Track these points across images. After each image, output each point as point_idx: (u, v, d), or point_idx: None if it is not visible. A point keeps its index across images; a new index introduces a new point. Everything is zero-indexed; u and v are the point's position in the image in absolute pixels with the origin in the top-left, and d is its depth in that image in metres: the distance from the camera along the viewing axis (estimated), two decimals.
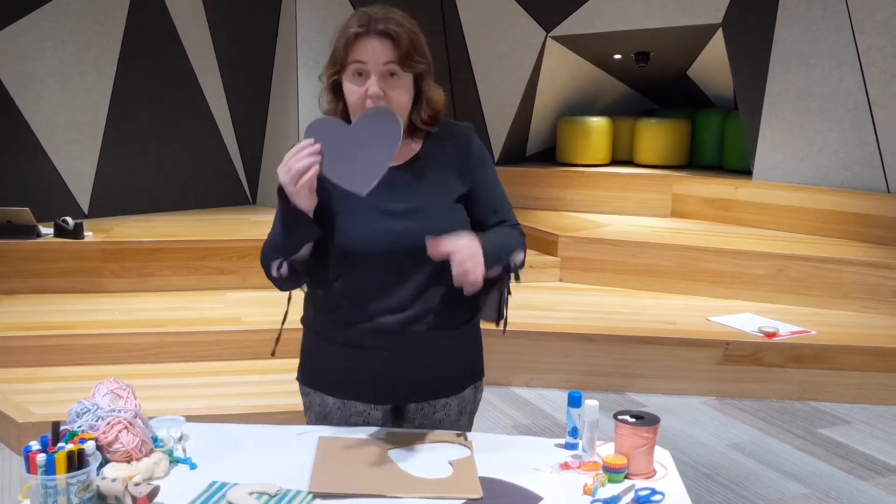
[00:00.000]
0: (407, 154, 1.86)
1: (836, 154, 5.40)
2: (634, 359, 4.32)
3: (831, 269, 4.78)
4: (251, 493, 1.58)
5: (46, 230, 4.97)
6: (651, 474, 1.71)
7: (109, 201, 5.83)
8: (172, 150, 6.08)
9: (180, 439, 1.81)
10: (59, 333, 4.23)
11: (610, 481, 1.67)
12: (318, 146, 1.68)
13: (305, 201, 1.70)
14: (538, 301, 4.76)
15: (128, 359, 4.18)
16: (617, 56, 6.47)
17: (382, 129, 1.70)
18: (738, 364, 4.23)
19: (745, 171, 6.01)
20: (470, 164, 1.89)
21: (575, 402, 1.82)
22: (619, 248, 5.27)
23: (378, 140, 1.70)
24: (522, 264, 1.91)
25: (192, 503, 1.55)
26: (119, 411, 1.66)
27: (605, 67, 6.67)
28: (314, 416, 2.00)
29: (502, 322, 1.90)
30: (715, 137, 6.45)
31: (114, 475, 1.58)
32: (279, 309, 1.98)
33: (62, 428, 1.60)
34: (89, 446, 1.50)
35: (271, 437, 1.87)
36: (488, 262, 1.71)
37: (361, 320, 1.85)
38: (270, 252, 1.83)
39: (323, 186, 1.74)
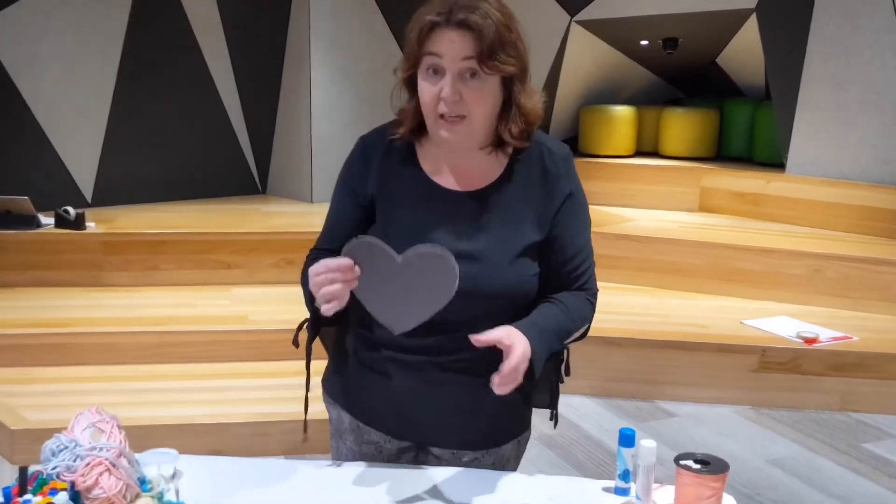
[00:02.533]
0: (485, 175, 1.59)
1: (876, 147, 5.13)
2: (663, 364, 4.07)
3: (872, 269, 4.51)
4: None
5: (47, 220, 4.76)
6: None
7: (113, 190, 5.61)
8: (180, 137, 5.85)
9: (172, 477, 1.57)
10: (57, 332, 4.02)
11: None
12: (356, 271, 1.41)
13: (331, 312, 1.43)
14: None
15: (128, 359, 3.98)
16: (644, 42, 6.19)
17: (436, 276, 1.43)
18: (776, 372, 3.98)
19: (777, 164, 5.74)
20: (554, 208, 1.59)
21: (627, 440, 1.58)
22: (645, 245, 5.01)
23: (428, 286, 1.44)
24: (584, 335, 1.71)
25: None
26: (100, 449, 1.43)
27: (630, 54, 6.40)
28: (332, 429, 1.79)
29: (553, 415, 1.72)
30: (745, 128, 6.18)
31: None
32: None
33: (32, 471, 1.37)
34: (61, 499, 1.26)
35: (278, 477, 1.64)
36: (536, 366, 1.49)
37: (388, 345, 1.62)
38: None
39: (366, 194, 1.59)
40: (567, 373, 1.72)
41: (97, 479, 1.40)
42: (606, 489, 1.61)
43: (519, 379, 1.44)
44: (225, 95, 6.01)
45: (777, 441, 3.65)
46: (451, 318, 1.48)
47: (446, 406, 1.64)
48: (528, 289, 1.60)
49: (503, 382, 1.42)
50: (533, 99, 1.56)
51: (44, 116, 5.35)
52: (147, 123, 5.69)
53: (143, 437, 3.34)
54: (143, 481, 1.48)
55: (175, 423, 3.36)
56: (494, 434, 1.69)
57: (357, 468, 1.65)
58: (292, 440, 3.35)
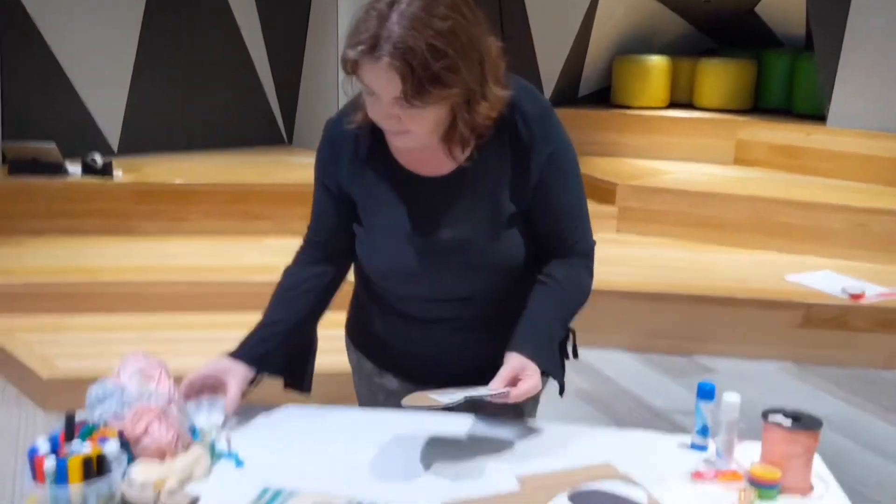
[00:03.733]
0: (450, 161, 1.50)
1: None
2: (704, 320, 3.97)
3: None
4: None
5: (74, 168, 4.68)
6: (808, 491, 1.38)
7: (139, 139, 5.51)
8: (205, 87, 5.73)
9: (223, 426, 1.50)
10: (87, 280, 3.96)
11: (760, 498, 1.34)
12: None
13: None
14: (595, 254, 4.38)
15: (159, 308, 3.91)
16: None
17: None
18: (821, 328, 3.86)
19: (816, 117, 5.56)
20: (534, 174, 1.50)
21: (707, 394, 1.48)
22: (682, 198, 4.88)
23: None
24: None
25: None
26: (149, 396, 1.35)
27: (665, 2, 6.19)
28: (354, 374, 1.79)
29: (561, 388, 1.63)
30: (783, 79, 5.99)
31: (143, 479, 1.27)
32: None
33: (78, 419, 1.29)
34: (111, 447, 1.18)
35: (328, 422, 1.56)
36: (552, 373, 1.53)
37: (404, 315, 1.63)
38: None
39: (341, 190, 1.55)
40: (575, 354, 1.67)
41: (147, 427, 1.32)
42: (682, 445, 1.52)
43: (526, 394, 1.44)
44: (251, 45, 5.87)
45: (822, 398, 3.55)
46: (458, 294, 1.56)
47: (465, 354, 1.61)
48: (522, 256, 1.55)
49: (510, 396, 1.42)
50: (489, 103, 1.41)
51: (69, 64, 5.24)
52: (173, 71, 5.57)
53: (177, 385, 3.30)
54: (193, 430, 1.40)
55: None
56: None
57: (389, 414, 1.58)
58: (325, 391, 3.28)
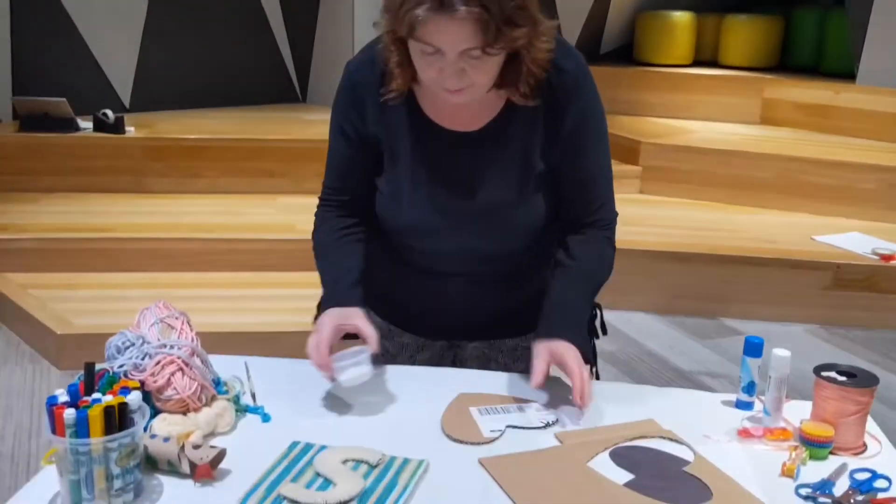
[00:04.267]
0: (487, 110, 1.42)
1: None
2: (730, 281, 3.88)
3: None
4: (345, 462, 1.19)
5: (85, 124, 4.59)
6: (861, 450, 1.31)
7: (151, 95, 5.41)
8: (218, 43, 5.61)
9: (248, 380, 1.43)
10: (100, 236, 3.89)
11: (811, 458, 1.27)
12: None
13: None
14: (617, 221, 4.29)
15: (173, 266, 3.85)
16: None
17: None
18: (850, 290, 3.77)
19: (845, 75, 5.42)
20: (563, 132, 1.42)
21: (754, 349, 1.41)
22: (707, 157, 4.76)
23: None
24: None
25: (269, 472, 1.17)
26: (171, 347, 1.28)
27: None
28: None
29: (593, 371, 1.56)
30: (812, 37, 5.84)
31: (166, 432, 1.21)
32: None
33: (99, 368, 1.22)
34: (134, 398, 1.12)
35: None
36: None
37: (422, 269, 1.55)
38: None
39: (366, 136, 1.46)
40: (604, 331, 1.62)
41: (169, 378, 1.25)
42: (726, 403, 1.44)
43: (587, 377, 1.38)
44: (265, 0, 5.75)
45: (852, 361, 3.47)
46: (478, 251, 1.49)
47: (477, 307, 1.55)
48: (544, 217, 1.49)
49: (584, 396, 1.35)
50: (543, 48, 1.35)
51: (80, 16, 5.13)
52: (185, 26, 5.45)
53: None
54: (217, 383, 1.33)
55: (224, 332, 3.24)
56: (533, 320, 1.50)
57: (410, 370, 1.53)
58: (340, 349, 3.22)
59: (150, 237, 3.93)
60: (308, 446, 1.23)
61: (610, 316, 1.71)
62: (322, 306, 1.47)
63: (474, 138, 1.43)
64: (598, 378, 1.56)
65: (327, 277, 1.49)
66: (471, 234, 1.47)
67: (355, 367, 1.36)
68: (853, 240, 4.06)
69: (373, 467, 1.18)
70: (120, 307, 3.44)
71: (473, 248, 1.49)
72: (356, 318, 1.40)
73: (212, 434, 1.27)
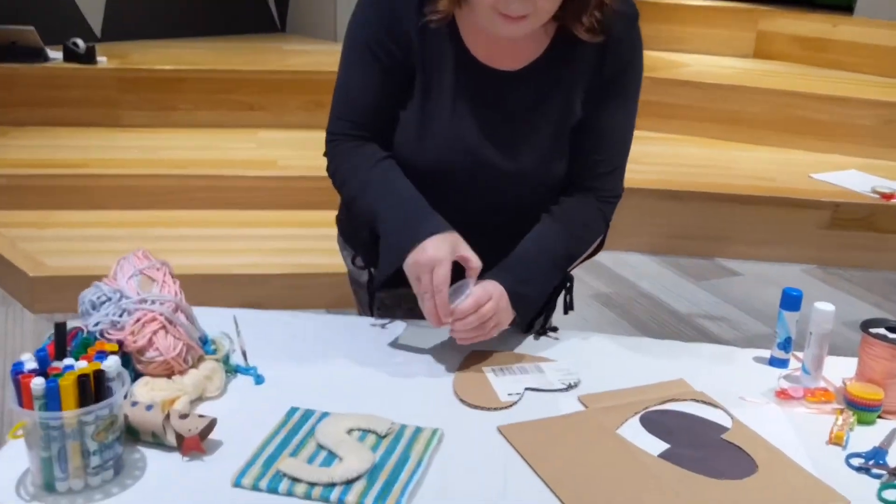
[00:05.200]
0: (533, 47, 1.29)
1: None
2: (726, 220, 3.77)
3: None
4: (351, 431, 1.08)
5: (55, 54, 4.36)
6: None
7: (123, 24, 5.16)
8: None
9: (238, 334, 1.31)
10: (72, 172, 3.71)
11: (858, 422, 1.17)
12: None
13: None
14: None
15: (150, 203, 3.69)
16: None
17: None
18: (849, 229, 3.69)
19: (842, 7, 5.28)
20: (603, 78, 1.30)
21: (792, 302, 1.29)
22: (702, 92, 4.61)
23: None
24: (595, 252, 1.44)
25: (266, 444, 1.05)
26: (153, 302, 1.15)
27: None
28: (351, 277, 1.57)
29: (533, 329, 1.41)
30: None
31: (149, 399, 1.08)
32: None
33: (71, 326, 1.09)
34: (112, 364, 0.98)
35: (350, 333, 1.36)
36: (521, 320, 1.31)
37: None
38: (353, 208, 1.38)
39: (401, 60, 1.29)
40: (570, 306, 1.47)
41: (151, 338, 1.12)
42: (759, 360, 1.34)
43: (488, 330, 1.24)
44: None
45: (852, 303, 3.40)
46: (497, 202, 1.37)
47: (492, 257, 1.36)
48: (565, 171, 1.37)
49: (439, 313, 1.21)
50: None
51: None
52: None
53: None
54: (205, 341, 1.20)
55: (207, 273, 3.11)
56: None
57: (412, 327, 1.38)
58: (332, 294, 3.10)
59: (124, 173, 3.75)
60: (308, 413, 1.11)
61: (604, 257, 1.59)
62: (399, 242, 1.26)
63: (516, 77, 1.30)
64: (528, 330, 1.40)
65: (398, 211, 1.28)
66: (496, 182, 1.34)
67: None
68: (851, 178, 3.96)
69: (381, 438, 1.06)
70: (93, 247, 3.30)
71: (495, 197, 1.36)
72: (461, 243, 1.24)
73: (200, 399, 1.14)
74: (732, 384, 1.25)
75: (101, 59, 4.38)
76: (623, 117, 1.36)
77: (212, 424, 1.04)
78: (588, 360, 1.29)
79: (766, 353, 1.33)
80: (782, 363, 1.31)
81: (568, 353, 1.31)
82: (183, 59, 4.61)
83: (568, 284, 1.45)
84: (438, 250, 1.20)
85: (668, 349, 1.37)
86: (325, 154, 1.38)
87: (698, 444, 1.09)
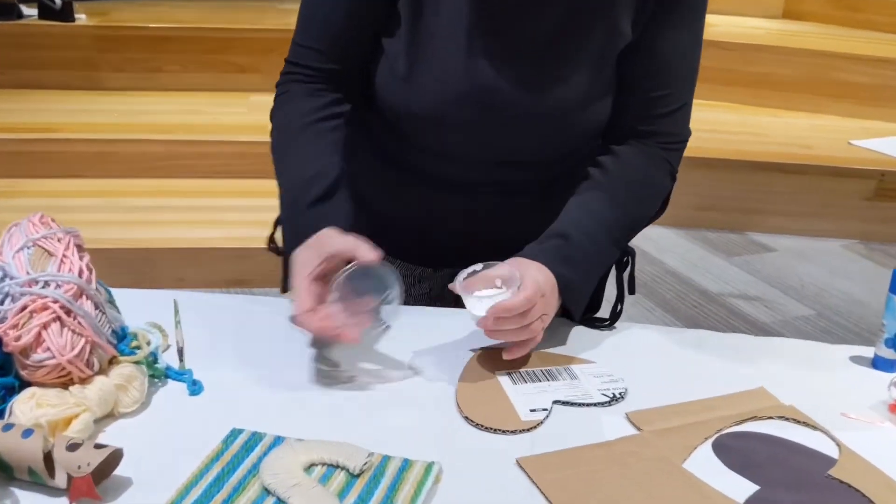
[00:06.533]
0: None
1: None
2: (759, 191, 3.45)
3: None
4: (310, 468, 0.77)
5: (29, 10, 4.07)
6: None
7: None
8: None
9: (177, 325, 1.00)
10: (47, 137, 3.43)
11: None
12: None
13: None
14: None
15: (130, 172, 3.41)
16: None
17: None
18: (894, 201, 3.36)
19: None
20: None
21: None
22: (729, 54, 4.26)
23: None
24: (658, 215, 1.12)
25: (192, 484, 0.75)
26: (47, 285, 0.84)
27: None
28: None
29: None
30: None
31: (31, 419, 0.77)
32: None
33: None
34: None
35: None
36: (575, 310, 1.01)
37: (426, 178, 1.10)
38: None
39: None
40: (631, 289, 1.15)
41: (40, 333, 0.81)
42: (857, 360, 1.02)
43: (533, 333, 0.92)
44: None
45: None
46: (522, 157, 1.07)
47: (508, 222, 1.11)
48: (609, 111, 1.07)
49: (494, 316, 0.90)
50: None
51: None
52: None
53: (149, 261, 2.82)
54: (121, 337, 0.90)
55: (189, 247, 2.85)
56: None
57: (402, 311, 1.08)
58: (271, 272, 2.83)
59: (104, 138, 3.47)
60: (255, 438, 0.81)
61: None
62: (286, 232, 1.01)
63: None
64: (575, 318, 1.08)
65: (291, 184, 1.04)
66: (517, 129, 1.03)
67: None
68: (895, 144, 3.63)
69: (355, 476, 0.76)
70: (66, 218, 2.97)
71: (513, 149, 1.06)
72: (331, 240, 0.93)
73: (111, 416, 0.84)
74: (827, 394, 0.94)
75: (80, 17, 4.09)
76: (689, 38, 1.04)
77: (115, 458, 0.74)
78: (630, 362, 0.98)
79: (867, 352, 1.02)
80: (892, 365, 0.99)
81: (602, 352, 1.00)
82: (169, 17, 4.30)
83: (627, 260, 1.14)
84: (303, 265, 0.90)
85: (735, 346, 1.06)
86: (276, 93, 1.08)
87: (799, 483, 0.78)
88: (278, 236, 1.08)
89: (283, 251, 1.02)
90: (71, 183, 3.34)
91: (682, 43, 1.04)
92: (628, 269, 1.15)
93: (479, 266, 0.94)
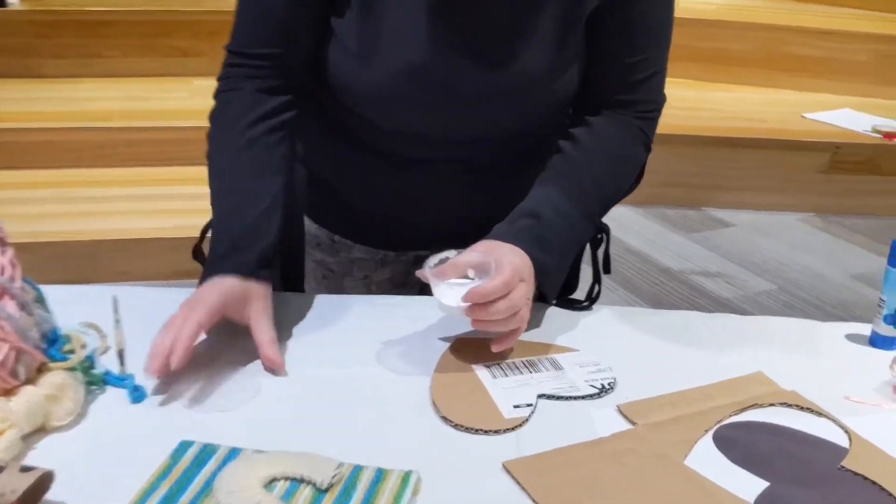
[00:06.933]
0: None
1: None
2: (715, 166, 3.42)
3: None
4: (272, 483, 0.68)
5: None
6: None
7: None
8: None
9: (117, 324, 0.90)
10: None
11: None
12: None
13: None
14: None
15: (70, 161, 3.28)
16: None
17: None
18: (850, 173, 3.36)
19: None
20: None
21: None
22: (683, 30, 4.10)
23: None
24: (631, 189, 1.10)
25: None
26: None
27: None
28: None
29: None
30: None
31: None
32: None
33: None
34: None
35: (293, 317, 0.96)
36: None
37: (389, 155, 1.02)
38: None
39: None
40: (606, 269, 1.08)
41: None
42: (854, 338, 0.97)
43: (521, 321, 0.85)
44: None
45: (857, 253, 3.07)
46: (487, 133, 1.00)
47: (474, 202, 1.05)
48: (577, 81, 1.00)
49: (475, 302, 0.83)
50: None
51: None
52: None
53: (91, 255, 2.70)
54: (52, 340, 0.80)
55: (133, 238, 2.75)
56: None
57: (364, 300, 1.00)
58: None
59: (41, 127, 3.33)
60: (207, 451, 0.72)
61: None
62: (211, 251, 0.92)
63: None
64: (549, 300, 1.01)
65: (224, 211, 0.98)
66: (478, 105, 0.95)
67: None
68: (847, 117, 3.63)
69: (323, 491, 0.67)
70: (6, 211, 2.87)
71: (474, 125, 0.98)
72: (255, 307, 0.86)
73: (41, 431, 0.74)
74: (827, 376, 0.88)
75: (13, 1, 3.91)
76: (657, 7, 0.97)
77: (44, 481, 0.64)
78: (614, 348, 0.91)
79: (863, 329, 0.97)
80: (892, 343, 0.94)
81: (582, 337, 0.93)
82: (107, 1, 4.14)
83: (601, 237, 1.07)
84: (208, 297, 0.85)
85: (722, 327, 0.99)
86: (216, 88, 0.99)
87: (811, 477, 0.72)
88: (206, 246, 1.00)
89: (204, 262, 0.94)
90: (7, 174, 3.19)
91: (656, 5, 0.98)
92: (602, 246, 1.09)
93: (452, 252, 0.86)
